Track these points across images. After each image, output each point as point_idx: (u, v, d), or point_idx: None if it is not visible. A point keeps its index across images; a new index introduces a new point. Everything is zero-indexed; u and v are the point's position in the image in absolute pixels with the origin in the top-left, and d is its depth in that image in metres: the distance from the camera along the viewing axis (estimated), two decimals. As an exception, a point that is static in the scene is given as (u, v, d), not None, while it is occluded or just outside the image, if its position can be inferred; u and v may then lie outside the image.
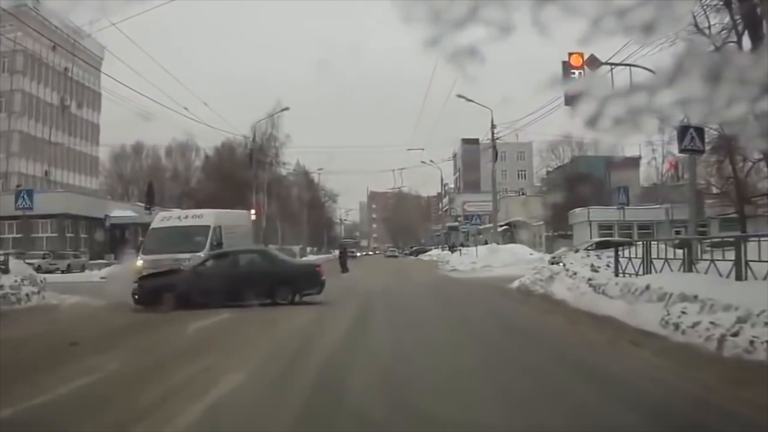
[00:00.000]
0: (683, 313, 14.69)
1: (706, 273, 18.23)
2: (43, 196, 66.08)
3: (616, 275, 23.28)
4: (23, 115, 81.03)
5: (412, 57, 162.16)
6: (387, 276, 47.68)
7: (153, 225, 34.55)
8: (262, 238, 75.30)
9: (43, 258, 56.78)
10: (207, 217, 34.35)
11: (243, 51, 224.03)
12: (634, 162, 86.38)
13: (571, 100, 24.37)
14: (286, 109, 79.60)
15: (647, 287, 17.95)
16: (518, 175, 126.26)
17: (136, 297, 23.57)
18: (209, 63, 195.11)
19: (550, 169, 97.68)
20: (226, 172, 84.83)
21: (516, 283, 29.49)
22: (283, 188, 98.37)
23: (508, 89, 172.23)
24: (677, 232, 53.64)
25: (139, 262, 30.51)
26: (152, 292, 23.41)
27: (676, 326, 14.44)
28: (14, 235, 62.24)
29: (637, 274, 21.75)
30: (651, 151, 73.39)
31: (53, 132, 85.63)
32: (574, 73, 26.55)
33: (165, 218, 35.37)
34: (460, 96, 56.72)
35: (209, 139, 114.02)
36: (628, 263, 22.99)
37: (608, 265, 25.15)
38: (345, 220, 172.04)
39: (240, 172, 78.79)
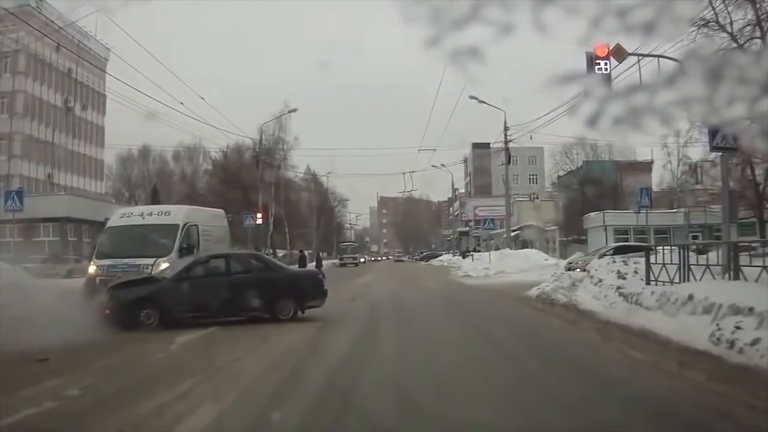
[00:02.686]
0: (738, 328, 12.84)
1: (756, 281, 16.36)
2: (45, 199, 65.14)
3: (648, 283, 21.32)
4: (26, 116, 79.15)
5: (421, 59, 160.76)
6: (396, 283, 45.94)
7: (110, 223, 28.72)
8: (269, 242, 73.89)
9: (44, 262, 55.48)
10: (176, 214, 28.44)
11: (249, 55, 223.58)
12: (646, 166, 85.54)
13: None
14: (294, 110, 78.10)
15: (690, 297, 15.98)
16: (530, 179, 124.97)
17: (107, 312, 19.06)
18: (216, 68, 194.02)
19: (561, 173, 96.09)
20: (233, 176, 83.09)
21: (535, 291, 27.67)
22: (292, 192, 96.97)
23: (511, 90, 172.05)
24: (694, 237, 52.66)
25: (92, 268, 25.84)
26: (128, 307, 19.24)
27: (731, 344, 12.59)
28: (15, 239, 60.53)
29: (672, 282, 19.81)
30: (666, 154, 72.31)
31: (57, 134, 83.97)
32: (599, 64, 24.86)
33: (125, 215, 29.20)
34: (472, 97, 55.99)
35: (217, 143, 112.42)
36: (661, 270, 20.99)
37: (636, 272, 23.26)
38: (355, 224, 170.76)
39: (247, 175, 76.85)
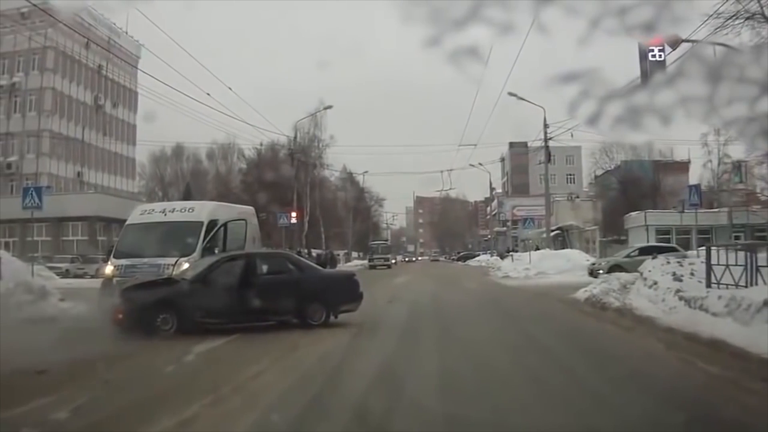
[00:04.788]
0: (826, 338, 11.30)
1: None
2: (74, 197, 64.58)
3: (709, 286, 19.65)
4: (54, 113, 78.84)
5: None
6: (433, 284, 44.64)
7: (129, 220, 26.88)
8: (304, 242, 73.01)
9: (72, 262, 55.07)
10: (200, 210, 26.48)
11: (282, 54, 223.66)
12: (684, 165, 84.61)
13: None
14: (329, 107, 76.68)
15: (765, 303, 14.29)
16: (567, 179, 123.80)
17: (120, 317, 17.37)
18: (249, 68, 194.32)
19: (599, 173, 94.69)
20: (267, 174, 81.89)
21: (582, 293, 26.10)
22: (327, 191, 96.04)
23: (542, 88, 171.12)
24: (737, 237, 51.42)
25: (109, 269, 24.46)
26: (143, 311, 17.44)
27: (820, 358, 11.06)
28: (44, 238, 59.97)
29: (737, 285, 18.16)
30: (706, 153, 71.00)
31: (86, 132, 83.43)
32: (653, 51, 23.39)
33: (145, 212, 27.51)
34: (511, 94, 54.95)
35: (252, 141, 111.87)
36: (724, 272, 19.34)
37: (692, 273, 21.63)
38: (392, 224, 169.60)
39: (282, 174, 75.60)
